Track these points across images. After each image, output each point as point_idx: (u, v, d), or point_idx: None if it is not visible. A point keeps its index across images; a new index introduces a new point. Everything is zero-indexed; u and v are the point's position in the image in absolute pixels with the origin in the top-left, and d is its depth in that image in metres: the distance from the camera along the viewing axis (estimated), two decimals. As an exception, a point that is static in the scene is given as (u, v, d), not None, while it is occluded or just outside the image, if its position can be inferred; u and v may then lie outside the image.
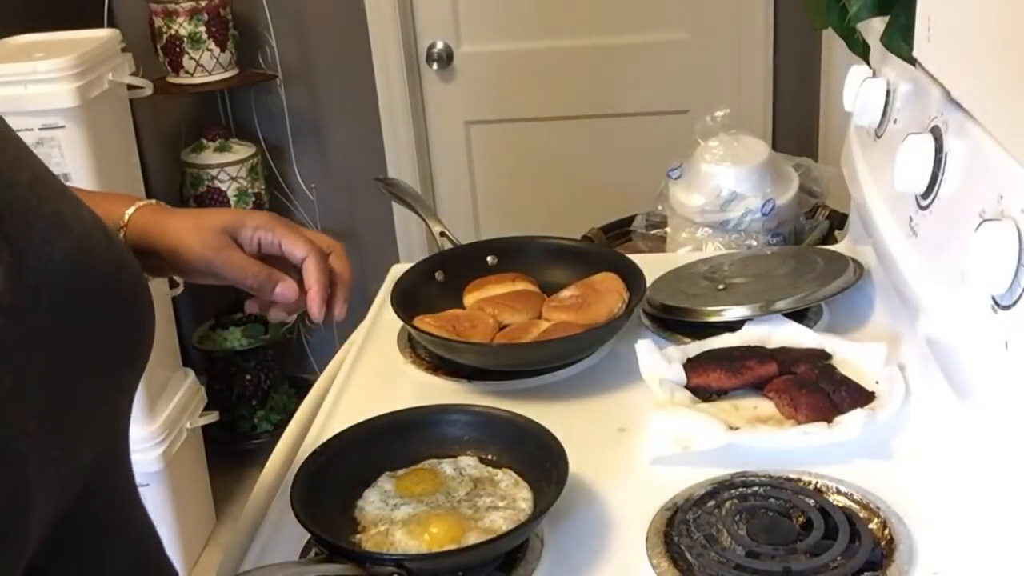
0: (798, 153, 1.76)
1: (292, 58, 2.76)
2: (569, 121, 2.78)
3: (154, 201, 0.89)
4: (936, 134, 0.94)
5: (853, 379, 1.01)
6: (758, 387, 1.03)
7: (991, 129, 0.83)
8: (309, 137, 2.86)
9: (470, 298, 1.24)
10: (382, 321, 1.27)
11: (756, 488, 0.88)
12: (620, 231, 1.83)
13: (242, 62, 2.66)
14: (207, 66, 2.56)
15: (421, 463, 0.94)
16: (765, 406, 1.01)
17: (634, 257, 1.24)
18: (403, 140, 2.78)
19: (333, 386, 1.16)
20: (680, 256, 1.52)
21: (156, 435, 2.24)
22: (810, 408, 0.97)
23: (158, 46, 2.55)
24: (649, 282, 1.22)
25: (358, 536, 0.86)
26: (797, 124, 2.66)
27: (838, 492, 0.88)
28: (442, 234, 1.32)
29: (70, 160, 2.02)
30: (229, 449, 2.76)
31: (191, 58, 2.54)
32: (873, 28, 1.13)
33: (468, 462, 0.94)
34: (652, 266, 1.25)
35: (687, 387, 1.03)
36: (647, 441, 0.97)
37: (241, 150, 2.68)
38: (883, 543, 0.82)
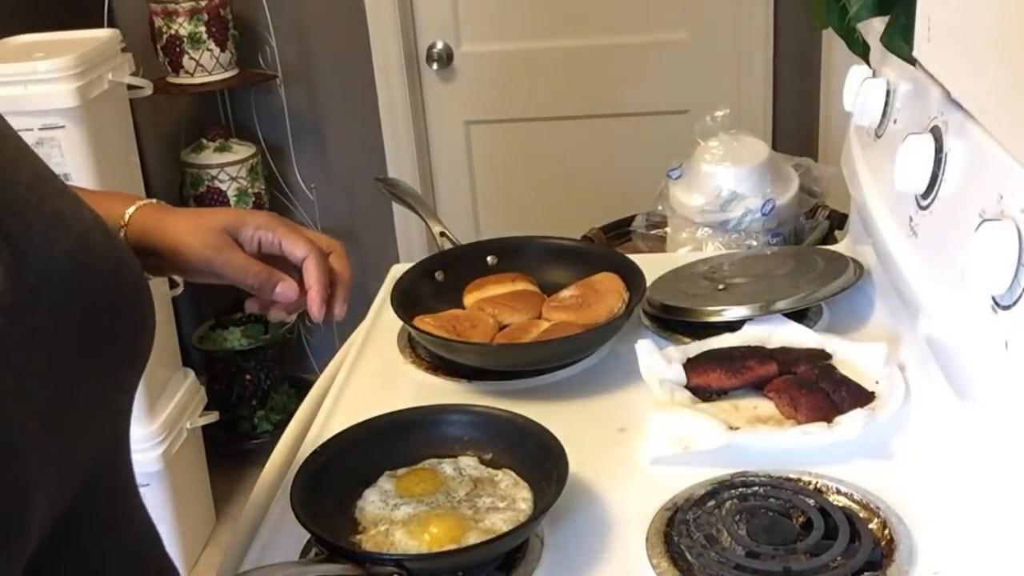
0: (798, 153, 1.76)
1: (292, 58, 2.76)
2: (569, 121, 2.78)
3: (154, 200, 0.89)
4: (936, 134, 0.94)
5: (853, 379, 1.01)
6: (758, 387, 1.03)
7: (991, 129, 0.83)
8: (309, 137, 2.86)
9: (470, 298, 1.24)
10: (382, 321, 1.27)
11: (756, 488, 0.88)
12: (620, 231, 1.83)
13: (242, 62, 2.66)
14: (207, 66, 2.56)
15: (421, 463, 0.94)
16: (765, 406, 1.01)
17: (634, 257, 1.24)
18: (403, 140, 2.78)
19: (333, 386, 1.16)
20: (680, 256, 1.52)
21: (156, 435, 2.24)
22: (810, 408, 0.97)
23: (158, 46, 2.55)
24: (649, 282, 1.22)
25: (358, 536, 0.86)
26: (797, 124, 2.66)
27: (838, 492, 0.88)
28: (442, 234, 1.32)
29: (70, 160, 2.02)
30: (229, 449, 2.76)
31: (191, 58, 2.54)
32: (873, 28, 1.13)
33: (468, 462, 0.94)
34: (652, 266, 1.25)
35: (687, 387, 1.03)
36: (647, 441, 0.97)
37: (241, 150, 2.68)
38: (883, 543, 0.82)
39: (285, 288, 0.87)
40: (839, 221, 1.65)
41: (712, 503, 0.87)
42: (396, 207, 2.64)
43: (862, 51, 1.22)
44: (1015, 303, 0.76)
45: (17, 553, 0.51)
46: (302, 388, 2.76)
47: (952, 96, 0.91)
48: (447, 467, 0.93)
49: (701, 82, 2.66)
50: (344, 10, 2.69)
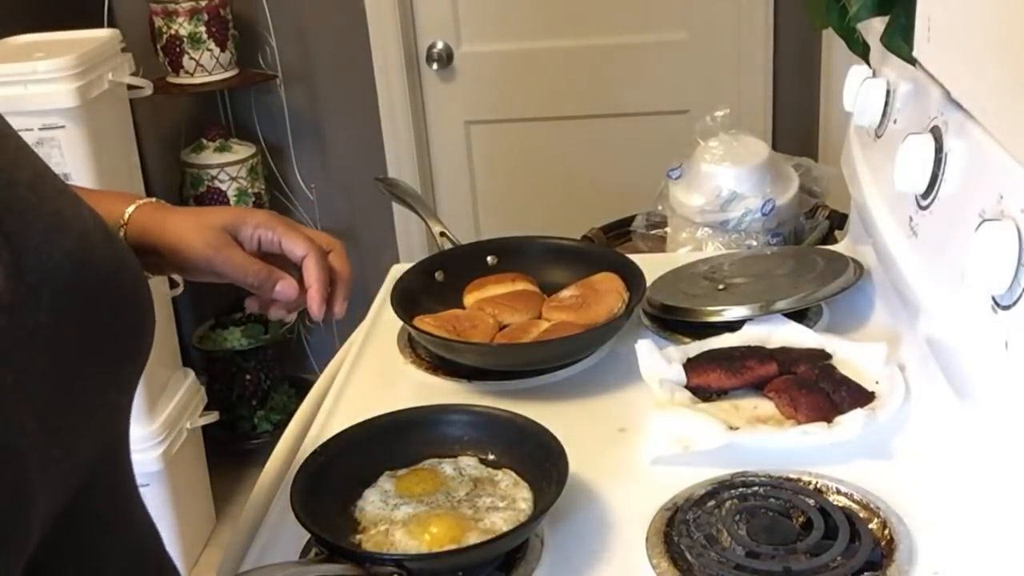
0: (798, 153, 1.76)
1: (292, 58, 2.76)
2: (569, 121, 2.78)
3: (154, 199, 0.89)
4: (936, 134, 0.94)
5: (853, 379, 1.01)
6: (758, 387, 1.03)
7: (991, 129, 0.83)
8: (309, 137, 2.86)
9: (470, 298, 1.24)
10: (382, 321, 1.27)
11: (756, 488, 0.88)
12: (620, 231, 1.83)
13: (242, 62, 2.66)
14: (207, 66, 2.56)
15: (421, 463, 0.94)
16: (765, 406, 1.01)
17: (634, 257, 1.24)
18: (403, 140, 2.78)
19: (333, 386, 1.16)
20: (680, 256, 1.52)
21: (156, 435, 2.24)
22: (810, 408, 0.97)
23: (158, 46, 2.55)
24: (649, 282, 1.22)
25: (358, 536, 0.86)
26: (797, 124, 2.66)
27: (838, 492, 0.88)
28: (442, 234, 1.32)
29: (70, 160, 2.02)
30: (229, 449, 2.76)
31: (191, 58, 2.54)
32: (873, 28, 1.13)
33: (468, 462, 0.94)
34: (652, 266, 1.25)
35: (687, 387, 1.03)
36: (647, 441, 0.97)
37: (241, 150, 2.68)
38: (883, 543, 0.82)
39: (285, 286, 0.87)
40: (839, 221, 1.65)
41: (712, 503, 0.87)
42: (396, 207, 2.64)
43: (862, 51, 1.22)
44: (1015, 303, 0.76)
45: (17, 552, 0.51)
46: (302, 388, 2.76)
47: (952, 96, 0.91)
48: (447, 467, 0.93)
49: (701, 82, 2.66)
50: (344, 10, 2.69)
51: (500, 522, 0.85)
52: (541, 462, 0.90)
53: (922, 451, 0.94)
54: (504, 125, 2.81)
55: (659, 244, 1.71)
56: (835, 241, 1.56)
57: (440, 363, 1.16)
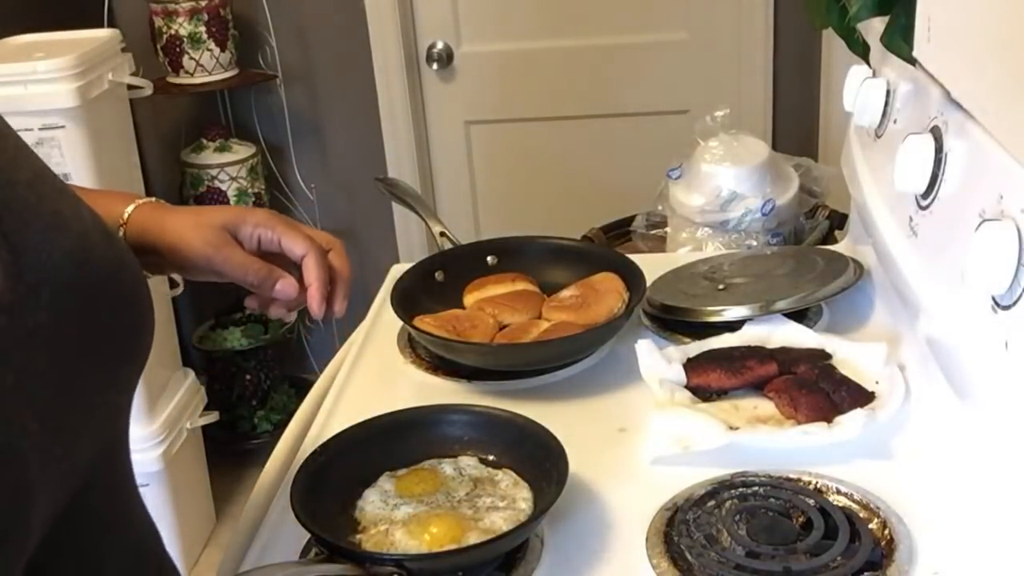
0: (798, 153, 1.76)
1: (292, 58, 2.76)
2: (569, 121, 2.78)
3: (153, 199, 0.89)
4: (936, 134, 0.94)
5: (853, 379, 1.01)
6: (758, 387, 1.03)
7: (991, 129, 0.83)
8: (309, 137, 2.86)
9: (470, 298, 1.24)
10: (382, 321, 1.27)
11: (756, 488, 0.88)
12: (620, 231, 1.83)
13: (242, 62, 2.66)
14: (207, 66, 2.56)
15: (421, 463, 0.94)
16: (765, 406, 1.01)
17: (634, 257, 1.24)
18: (403, 140, 2.78)
19: (333, 386, 1.16)
20: (680, 256, 1.52)
21: (156, 435, 2.24)
22: (810, 408, 0.97)
23: (158, 46, 2.55)
24: (649, 282, 1.22)
25: (358, 536, 0.86)
26: (797, 124, 2.66)
27: (838, 492, 0.88)
28: (442, 234, 1.32)
29: (70, 160, 2.02)
30: (229, 449, 2.76)
31: (191, 58, 2.54)
32: (873, 28, 1.13)
33: (468, 462, 0.94)
34: (652, 266, 1.25)
35: (687, 387, 1.03)
36: (647, 441, 0.97)
37: (241, 150, 2.68)
38: (883, 543, 0.82)
39: (285, 285, 0.87)
40: (839, 221, 1.65)
41: (712, 503, 0.87)
42: (396, 207, 2.64)
43: (862, 51, 1.22)
44: (1015, 303, 0.76)
45: (18, 552, 0.51)
46: (302, 388, 2.76)
47: (952, 96, 0.91)
48: (447, 467, 0.93)
49: (701, 82, 2.66)
50: (344, 10, 2.69)
51: (500, 522, 0.85)
52: (541, 462, 0.90)
53: (922, 451, 0.94)
54: (504, 125, 2.81)
55: (659, 244, 1.71)
56: (835, 241, 1.56)
57: (440, 363, 1.16)
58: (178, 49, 2.53)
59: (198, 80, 2.57)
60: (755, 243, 1.55)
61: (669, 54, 2.69)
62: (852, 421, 0.93)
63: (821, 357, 1.06)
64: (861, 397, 0.99)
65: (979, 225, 0.78)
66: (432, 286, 1.26)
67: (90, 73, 2.02)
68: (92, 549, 0.62)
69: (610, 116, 2.75)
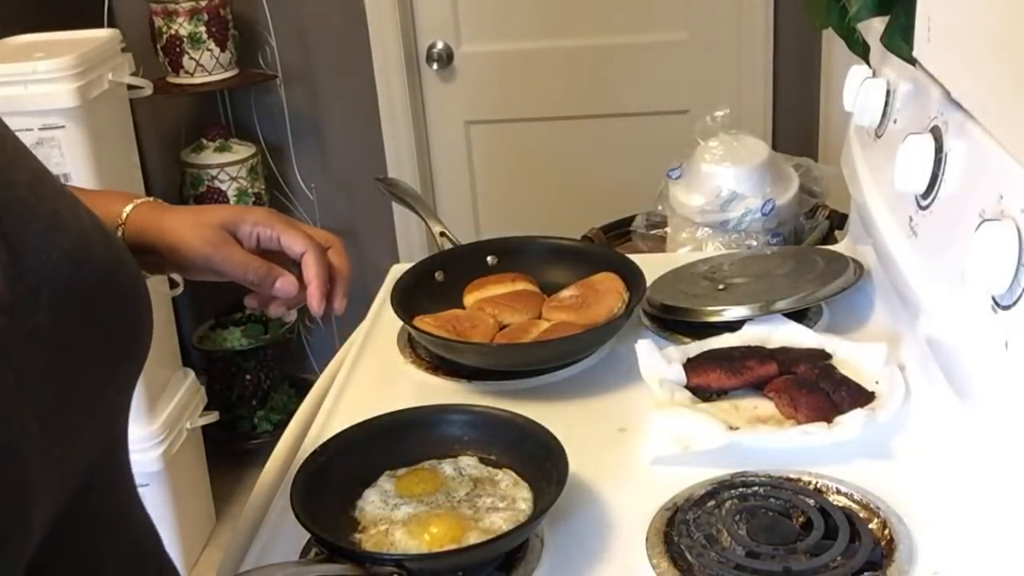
0: (798, 153, 1.76)
1: (292, 58, 2.76)
2: (569, 121, 2.78)
3: (152, 199, 0.89)
4: (936, 134, 0.94)
5: (853, 379, 1.01)
6: (758, 387, 1.03)
7: (991, 129, 0.83)
8: (309, 137, 2.86)
9: (470, 298, 1.24)
10: (382, 321, 1.27)
11: (756, 488, 0.88)
12: (620, 231, 1.83)
13: (242, 62, 2.66)
14: (207, 66, 2.56)
15: (421, 463, 0.94)
16: (765, 406, 1.01)
17: (634, 257, 1.24)
18: (403, 140, 2.78)
19: (333, 386, 1.16)
20: (680, 256, 1.52)
21: (156, 435, 2.24)
22: (810, 408, 0.97)
23: (158, 46, 2.55)
24: (649, 282, 1.22)
25: (358, 536, 0.86)
26: (797, 124, 2.66)
27: (838, 492, 0.88)
28: (442, 234, 1.32)
29: (70, 160, 2.02)
30: (229, 449, 2.76)
31: (191, 58, 2.54)
32: (873, 28, 1.13)
33: (468, 462, 0.94)
34: (652, 266, 1.25)
35: (687, 387, 1.03)
36: (647, 441, 0.97)
37: (241, 150, 2.68)
38: (883, 543, 0.82)
39: (285, 283, 0.87)
40: (839, 221, 1.65)
41: (712, 503, 0.87)
42: (396, 207, 2.64)
43: (862, 51, 1.22)
44: (1015, 303, 0.76)
45: (18, 553, 0.51)
46: (302, 388, 2.76)
47: (952, 96, 0.91)
48: (447, 467, 0.93)
49: (701, 82, 2.66)
50: (344, 10, 2.69)
51: (500, 522, 0.85)
52: (541, 462, 0.90)
53: (922, 451, 0.94)
54: (504, 125, 2.81)
55: (659, 244, 1.71)
56: (835, 241, 1.56)
57: (440, 363, 1.16)
58: (178, 49, 2.53)
59: (198, 80, 2.57)
60: (755, 243, 1.55)
61: (669, 54, 2.69)
62: (852, 421, 0.93)
63: (821, 357, 1.06)
64: (861, 397, 0.99)
65: (979, 225, 0.78)
66: (432, 286, 1.26)
67: (90, 73, 2.02)
68: (92, 549, 0.62)
69: (610, 116, 2.75)
